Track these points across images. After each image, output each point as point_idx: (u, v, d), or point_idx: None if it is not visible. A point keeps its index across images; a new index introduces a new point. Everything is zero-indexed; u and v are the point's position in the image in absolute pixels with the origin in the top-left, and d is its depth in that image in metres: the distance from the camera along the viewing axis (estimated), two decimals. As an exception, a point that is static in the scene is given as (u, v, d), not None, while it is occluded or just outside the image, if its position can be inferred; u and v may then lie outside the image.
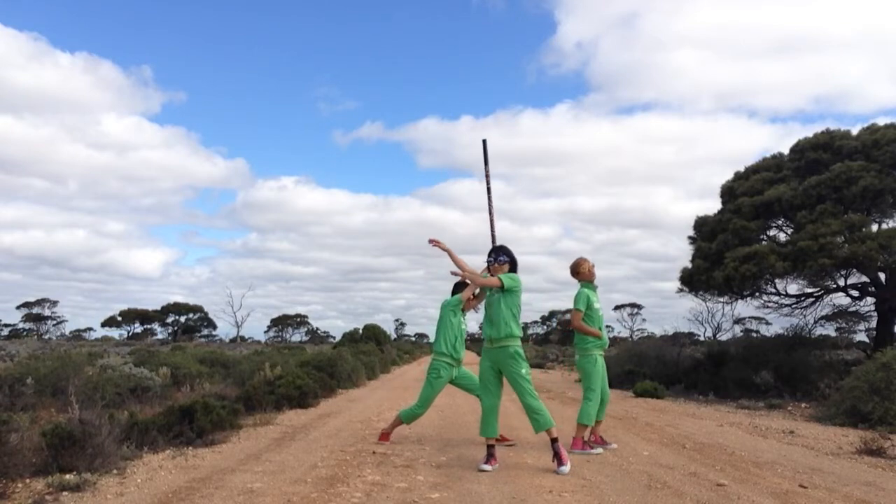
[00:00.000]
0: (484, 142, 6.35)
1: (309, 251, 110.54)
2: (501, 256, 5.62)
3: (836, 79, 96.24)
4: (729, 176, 15.98)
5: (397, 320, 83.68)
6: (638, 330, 58.59)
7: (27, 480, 4.65)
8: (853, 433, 7.83)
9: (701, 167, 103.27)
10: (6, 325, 62.19)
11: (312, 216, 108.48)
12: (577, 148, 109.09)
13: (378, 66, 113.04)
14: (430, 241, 6.05)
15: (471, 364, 7.42)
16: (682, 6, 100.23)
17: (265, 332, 71.25)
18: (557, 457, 5.36)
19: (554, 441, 5.39)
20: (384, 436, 6.70)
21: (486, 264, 5.74)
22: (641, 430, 8.02)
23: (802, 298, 15.26)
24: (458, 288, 6.83)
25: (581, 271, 6.69)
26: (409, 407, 6.76)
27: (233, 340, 47.85)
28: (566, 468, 5.29)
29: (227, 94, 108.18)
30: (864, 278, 13.83)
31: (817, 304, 15.24)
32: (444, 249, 6.00)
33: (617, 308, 62.65)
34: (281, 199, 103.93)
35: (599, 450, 6.31)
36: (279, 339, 68.79)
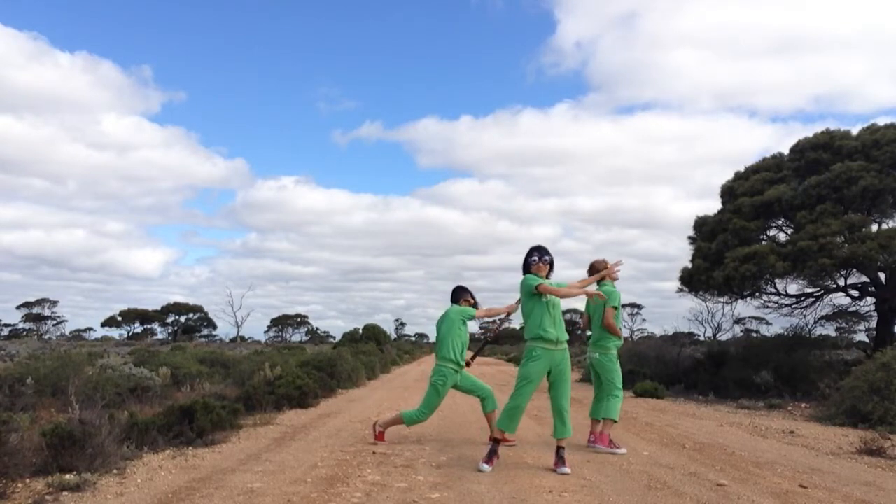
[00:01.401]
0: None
1: (309, 251, 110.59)
2: (546, 256, 5.60)
3: (836, 79, 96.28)
4: (729, 176, 16.01)
5: (397, 320, 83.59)
6: (638, 330, 58.66)
7: (27, 480, 4.65)
8: (853, 433, 7.83)
9: (701, 167, 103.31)
10: (6, 325, 62.26)
11: (312, 216, 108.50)
12: (576, 148, 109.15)
13: (378, 66, 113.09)
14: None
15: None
16: (682, 5, 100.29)
17: (265, 332, 71.28)
18: (561, 460, 5.42)
19: (560, 448, 5.47)
20: (380, 435, 6.69)
21: (529, 264, 5.60)
22: (641, 430, 8.03)
23: (802, 298, 15.27)
24: (457, 294, 6.85)
25: (608, 267, 6.69)
26: (413, 410, 6.71)
27: (233, 340, 47.84)
28: (568, 469, 5.34)
29: (227, 94, 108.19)
30: (864, 278, 13.84)
31: (817, 304, 15.25)
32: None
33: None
34: (281, 199, 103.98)
35: (624, 450, 6.36)
36: (279, 339, 68.76)
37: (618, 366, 6.63)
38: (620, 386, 6.61)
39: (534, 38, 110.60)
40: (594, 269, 6.73)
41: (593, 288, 6.22)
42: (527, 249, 5.66)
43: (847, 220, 12.27)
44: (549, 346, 5.45)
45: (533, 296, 5.49)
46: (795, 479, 5.25)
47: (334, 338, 61.50)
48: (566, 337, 5.53)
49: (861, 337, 21.78)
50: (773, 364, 12.67)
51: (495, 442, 5.58)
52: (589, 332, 6.94)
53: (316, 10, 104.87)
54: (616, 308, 6.61)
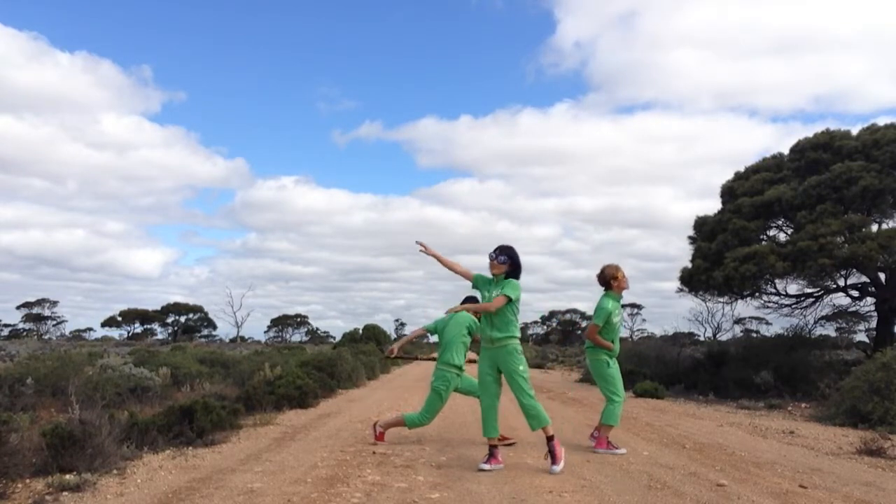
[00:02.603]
0: None
1: (308, 251, 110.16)
2: (501, 256, 5.55)
3: (836, 79, 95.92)
4: (729, 176, 16.03)
5: (397, 320, 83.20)
6: (638, 330, 58.58)
7: (27, 480, 4.65)
8: (853, 433, 7.83)
9: (701, 167, 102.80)
10: (6, 325, 62.13)
11: (312, 216, 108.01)
12: (576, 147, 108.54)
13: (377, 66, 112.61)
14: (418, 244, 5.84)
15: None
16: (682, 5, 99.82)
17: (265, 332, 71.09)
18: (552, 455, 5.37)
19: (550, 439, 5.42)
20: (380, 435, 6.68)
21: (488, 259, 5.63)
22: (641, 430, 8.03)
23: (802, 298, 15.27)
24: (469, 301, 6.85)
25: (618, 277, 6.55)
26: (416, 414, 6.72)
27: (233, 340, 47.85)
28: (558, 467, 5.30)
29: (227, 94, 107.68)
30: (864, 278, 13.84)
31: (817, 304, 15.26)
32: (432, 254, 5.83)
33: (617, 308, 62.28)
34: (280, 199, 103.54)
35: (624, 450, 6.36)
36: (279, 339, 68.68)
37: (612, 371, 6.52)
38: (618, 391, 6.50)
39: (533, 38, 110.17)
40: (603, 275, 6.64)
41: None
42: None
43: (847, 220, 12.27)
44: (486, 345, 5.59)
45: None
46: (795, 479, 5.25)
47: (334, 338, 61.48)
48: (501, 335, 5.47)
49: (861, 337, 21.83)
50: (773, 364, 12.66)
51: (492, 447, 5.56)
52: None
53: (316, 10, 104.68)
54: (599, 325, 6.46)
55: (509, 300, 5.44)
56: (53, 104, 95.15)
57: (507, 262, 5.56)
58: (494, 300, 5.46)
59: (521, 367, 5.50)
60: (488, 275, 5.67)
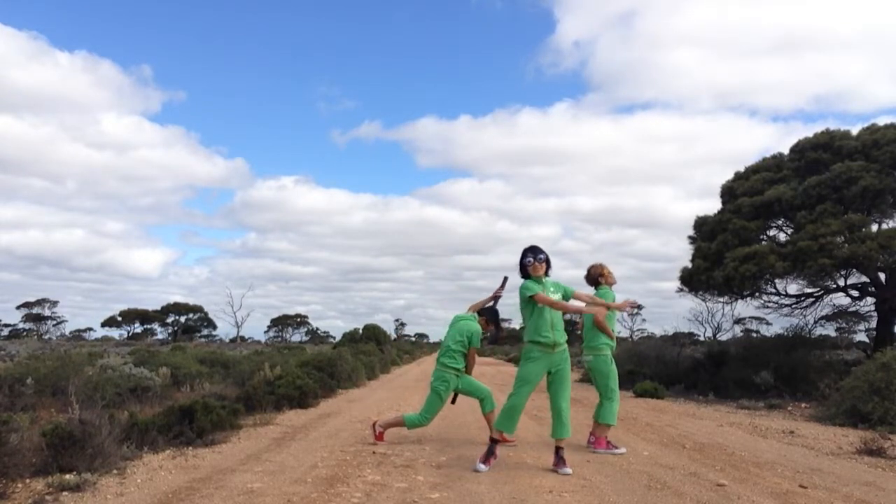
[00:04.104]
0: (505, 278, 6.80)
1: (308, 251, 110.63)
2: (541, 255, 5.46)
3: (836, 79, 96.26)
4: (729, 175, 16.03)
5: (397, 320, 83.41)
6: (638, 330, 58.48)
7: (27, 480, 4.65)
8: (853, 433, 7.83)
9: (701, 167, 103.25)
10: (6, 325, 62.23)
11: (312, 216, 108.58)
12: (576, 147, 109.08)
13: (377, 66, 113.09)
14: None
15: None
16: (681, 4, 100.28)
17: (265, 332, 71.26)
18: (561, 461, 5.41)
19: (560, 449, 5.47)
20: (380, 435, 6.69)
21: (524, 265, 5.47)
22: (641, 431, 8.03)
23: (802, 298, 15.27)
24: (482, 312, 6.86)
25: (605, 273, 6.71)
26: (416, 414, 6.72)
27: (233, 340, 47.85)
28: (569, 469, 5.33)
29: (227, 94, 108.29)
30: (864, 278, 13.84)
31: (817, 304, 15.26)
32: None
33: (617, 308, 62.11)
34: (280, 199, 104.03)
35: (623, 449, 6.38)
36: (279, 339, 68.73)
37: (613, 368, 6.58)
38: (616, 389, 6.56)
39: (533, 38, 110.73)
40: (590, 274, 6.76)
41: (582, 304, 5.94)
42: (522, 250, 5.59)
43: (847, 220, 12.27)
44: (545, 350, 5.42)
45: (530, 301, 5.40)
46: (795, 479, 5.25)
47: (334, 338, 61.56)
48: (564, 339, 5.46)
49: (861, 337, 21.78)
50: (773, 364, 12.66)
51: (493, 442, 5.57)
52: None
53: (316, 10, 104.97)
54: (609, 309, 6.52)
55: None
56: (53, 104, 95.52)
57: (545, 259, 5.48)
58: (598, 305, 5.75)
59: (570, 373, 5.57)
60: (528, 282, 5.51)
